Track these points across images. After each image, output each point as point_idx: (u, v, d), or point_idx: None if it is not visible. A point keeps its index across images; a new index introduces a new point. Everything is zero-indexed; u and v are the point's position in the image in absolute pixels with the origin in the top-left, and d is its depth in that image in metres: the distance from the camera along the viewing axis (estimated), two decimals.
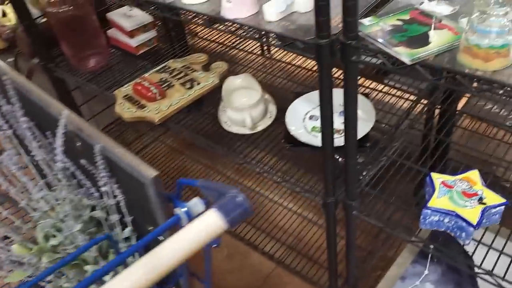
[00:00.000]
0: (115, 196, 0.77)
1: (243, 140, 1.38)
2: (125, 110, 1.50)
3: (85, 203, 0.86)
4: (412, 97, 1.44)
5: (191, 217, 0.67)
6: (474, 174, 1.05)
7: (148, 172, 0.66)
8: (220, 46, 1.99)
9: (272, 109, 1.43)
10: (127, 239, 0.84)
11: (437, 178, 1.05)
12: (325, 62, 0.87)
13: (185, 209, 0.67)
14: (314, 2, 0.80)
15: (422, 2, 0.92)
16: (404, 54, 0.76)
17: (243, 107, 1.35)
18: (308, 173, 1.32)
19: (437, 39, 0.78)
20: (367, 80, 1.64)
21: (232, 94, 1.45)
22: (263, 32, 0.94)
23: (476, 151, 1.29)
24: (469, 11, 0.87)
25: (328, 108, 0.96)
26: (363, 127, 1.24)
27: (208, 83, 1.55)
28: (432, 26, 0.82)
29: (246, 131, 1.36)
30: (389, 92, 1.49)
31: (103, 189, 0.77)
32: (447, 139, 1.31)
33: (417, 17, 0.86)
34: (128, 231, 0.83)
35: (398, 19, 0.86)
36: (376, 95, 1.50)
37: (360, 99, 1.29)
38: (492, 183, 1.10)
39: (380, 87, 1.54)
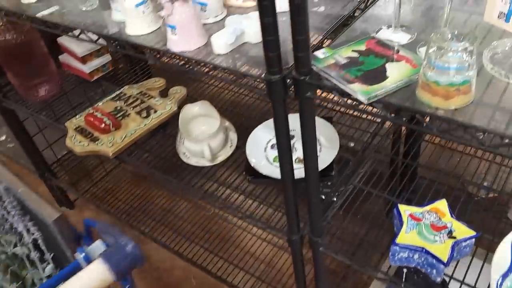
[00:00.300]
0: (32, 233, 0.71)
1: (203, 173, 1.30)
2: (77, 144, 1.40)
3: (9, 239, 0.78)
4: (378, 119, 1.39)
5: (90, 261, 0.62)
6: (442, 204, 1.00)
7: (51, 213, 0.60)
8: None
9: (233, 137, 1.36)
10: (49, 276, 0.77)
11: (405, 210, 1.00)
12: (277, 99, 0.80)
13: (83, 254, 0.61)
14: (262, 37, 0.73)
15: (379, 29, 0.87)
16: (360, 92, 0.70)
17: (201, 138, 1.27)
18: (273, 206, 1.25)
19: (395, 73, 0.73)
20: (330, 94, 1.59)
21: (190, 123, 1.37)
22: (211, 67, 0.87)
23: (446, 169, 1.25)
24: (427, 38, 0.83)
25: (285, 143, 0.89)
26: (327, 156, 1.18)
27: (166, 111, 1.47)
28: (390, 58, 0.77)
29: (206, 163, 1.28)
30: (354, 114, 1.44)
31: (18, 227, 0.70)
32: (414, 163, 1.26)
33: (374, 47, 0.80)
34: (49, 268, 0.75)
35: (353, 50, 0.80)
36: (341, 116, 1.45)
37: (323, 124, 1.24)
38: (465, 200, 1.07)
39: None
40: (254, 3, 1.02)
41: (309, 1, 1.01)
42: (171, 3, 0.87)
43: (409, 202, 1.21)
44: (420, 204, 1.03)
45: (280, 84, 0.78)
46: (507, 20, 0.70)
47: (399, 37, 0.83)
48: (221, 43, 0.88)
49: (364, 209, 1.18)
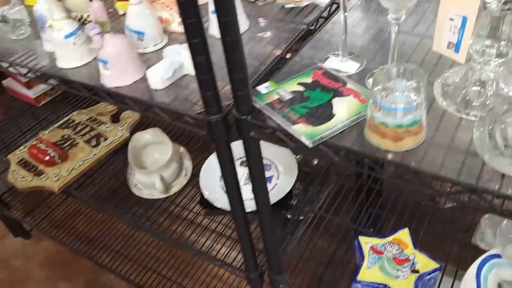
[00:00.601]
0: None
1: (157, 205, 1.23)
2: (19, 180, 1.30)
3: None
4: None
5: None
6: (404, 235, 0.95)
7: None
8: None
9: (188, 165, 1.28)
10: None
11: (366, 242, 0.95)
12: (218, 139, 0.74)
13: None
14: (196, 76, 0.66)
15: (327, 58, 0.81)
16: (304, 134, 0.64)
17: (152, 169, 1.19)
18: (231, 240, 1.19)
19: (342, 111, 0.67)
20: None
21: (141, 151, 1.29)
22: (147, 105, 0.80)
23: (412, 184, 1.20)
24: (377, 67, 0.77)
25: (232, 183, 0.82)
26: (286, 184, 1.12)
27: (117, 138, 1.39)
28: (337, 92, 0.71)
29: (159, 195, 1.21)
30: None
31: None
32: (375, 186, 1.21)
33: (320, 79, 0.74)
34: None
35: (299, 83, 0.74)
36: None
37: (281, 151, 1.18)
38: (433, 213, 1.04)
39: None
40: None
41: (255, 26, 0.95)
42: (100, 35, 0.79)
43: (376, 219, 1.17)
44: (383, 231, 0.98)
45: (221, 124, 0.71)
46: (456, 51, 0.66)
47: (347, 67, 0.78)
48: (158, 77, 0.80)
49: (328, 234, 1.13)
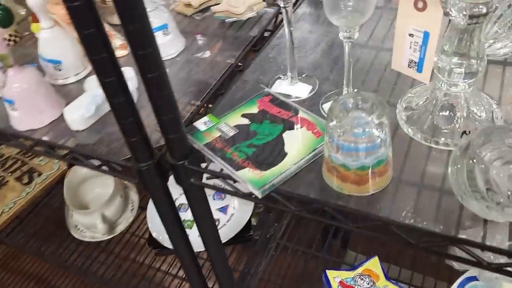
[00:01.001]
0: None
1: (102, 246, 1.09)
2: None
3: None
4: None
5: None
6: (374, 264, 0.87)
7: None
8: None
9: (135, 198, 1.15)
10: None
11: (334, 277, 0.86)
12: (152, 189, 0.62)
13: None
14: (116, 121, 0.55)
15: (275, 80, 0.71)
16: (251, 182, 0.53)
17: (92, 209, 1.06)
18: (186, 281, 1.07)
19: (295, 148, 0.57)
20: None
21: (80, 187, 1.15)
22: (66, 151, 0.67)
23: None
24: (331, 88, 0.68)
25: (174, 230, 0.71)
26: (243, 214, 1.01)
27: (53, 172, 1.24)
28: (288, 124, 0.61)
29: (102, 237, 1.07)
30: None
31: None
32: None
33: (268, 108, 0.64)
34: None
35: (244, 115, 0.64)
36: None
37: None
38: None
39: None
40: (125, 52, 0.83)
41: (192, 44, 0.84)
42: (2, 71, 0.66)
43: (343, 245, 1.08)
44: (350, 259, 0.90)
45: (154, 172, 0.60)
46: (419, 70, 0.57)
47: (297, 90, 0.68)
48: (77, 117, 0.68)
49: (293, 265, 1.03)
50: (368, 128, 0.48)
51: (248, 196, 0.56)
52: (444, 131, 0.56)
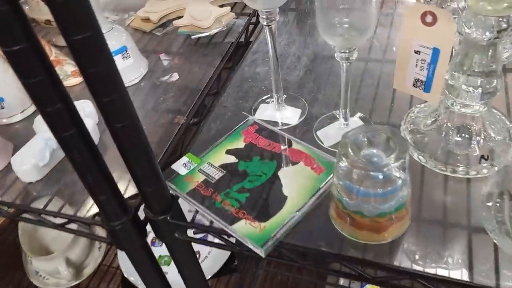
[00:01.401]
0: None
1: None
2: None
3: None
4: None
5: None
6: None
7: None
8: None
9: (102, 233, 1.04)
10: None
11: None
12: (129, 248, 0.53)
13: None
14: (80, 179, 0.45)
15: (258, 104, 0.63)
16: (252, 238, 0.45)
17: (54, 254, 0.94)
18: None
19: (296, 190, 0.49)
20: None
21: (36, 229, 1.03)
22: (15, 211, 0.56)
23: None
24: (323, 111, 0.61)
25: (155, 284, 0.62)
26: None
27: None
28: (282, 160, 0.53)
29: (68, 284, 0.96)
30: None
31: None
32: None
33: (256, 140, 0.56)
34: None
35: (228, 151, 0.55)
36: None
37: None
38: None
39: None
40: (78, 80, 0.72)
41: (156, 66, 0.74)
42: None
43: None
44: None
45: (128, 229, 0.50)
46: (426, 90, 0.50)
47: (285, 115, 0.60)
48: (29, 167, 0.57)
49: None
50: (387, 170, 0.40)
51: (246, 251, 0.47)
52: (459, 157, 0.50)
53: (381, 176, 0.40)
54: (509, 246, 0.41)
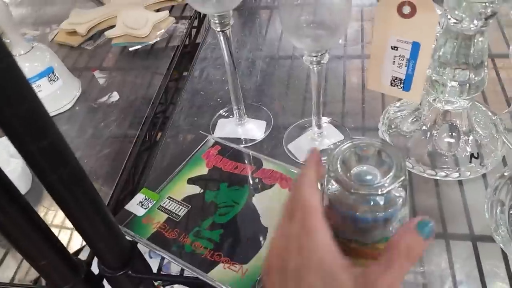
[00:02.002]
0: None
1: None
2: None
3: None
4: None
5: None
6: None
7: None
8: None
9: None
10: None
11: None
12: None
13: None
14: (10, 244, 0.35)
15: (216, 119, 0.55)
16: (233, 285, 0.38)
17: None
18: None
19: (275, 218, 0.42)
20: None
21: None
22: None
23: None
24: (291, 120, 0.54)
25: None
26: None
27: None
28: (253, 184, 0.46)
29: None
30: None
31: None
32: None
33: (220, 163, 0.48)
34: None
35: (190, 180, 0.47)
36: None
37: None
38: None
39: None
40: None
41: (90, 86, 0.65)
42: None
43: None
44: None
45: None
46: (406, 88, 0.45)
47: (250, 130, 0.53)
48: None
49: None
50: (385, 192, 0.35)
51: None
52: (447, 158, 0.45)
53: (382, 199, 0.35)
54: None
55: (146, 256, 0.43)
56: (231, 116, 0.55)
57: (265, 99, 0.57)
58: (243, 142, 0.52)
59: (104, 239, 0.38)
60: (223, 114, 0.56)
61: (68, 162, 0.31)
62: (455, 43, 0.40)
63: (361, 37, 0.66)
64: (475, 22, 0.37)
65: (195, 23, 0.72)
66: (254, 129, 0.53)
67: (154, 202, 0.46)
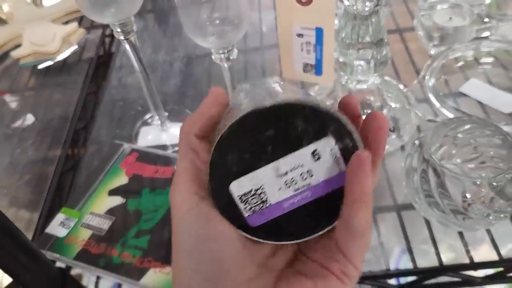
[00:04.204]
0: None
1: None
2: None
3: None
4: None
5: None
6: None
7: None
8: None
9: None
10: None
11: None
12: None
13: None
14: None
15: (138, 128, 0.54)
16: (163, 286, 0.38)
17: None
18: None
19: None
20: None
21: None
22: None
23: None
24: None
25: None
26: None
27: None
28: None
29: None
30: None
31: None
32: None
33: (140, 170, 0.47)
34: None
35: (111, 192, 0.46)
36: None
37: None
38: None
39: None
40: None
41: (3, 111, 0.61)
42: None
43: None
44: None
45: None
46: (318, 73, 0.46)
47: (174, 135, 0.52)
48: None
49: None
50: None
51: None
52: None
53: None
54: (439, 219, 0.39)
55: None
56: (154, 123, 0.53)
57: (187, 100, 0.57)
58: (170, 148, 0.51)
59: (29, 270, 0.36)
60: (146, 121, 0.55)
61: None
62: (354, 24, 0.41)
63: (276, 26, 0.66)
64: (367, 4, 0.38)
65: (108, 32, 0.70)
66: (178, 134, 0.52)
67: (76, 220, 0.44)
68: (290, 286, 0.20)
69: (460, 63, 0.55)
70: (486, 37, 0.56)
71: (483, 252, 0.39)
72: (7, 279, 0.45)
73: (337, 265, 0.20)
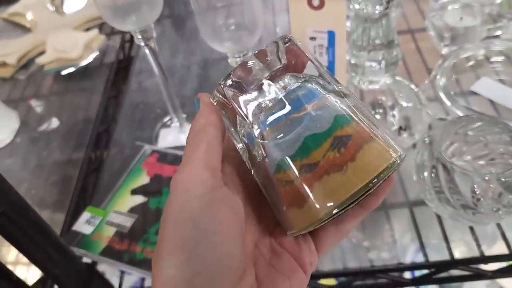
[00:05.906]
0: None
1: None
2: None
3: None
4: None
5: None
6: None
7: None
8: None
9: None
10: None
11: None
12: None
13: None
14: None
15: (158, 133, 0.56)
16: None
17: None
18: None
19: None
20: None
21: None
22: None
23: None
24: None
25: None
26: None
27: None
28: None
29: None
30: None
31: None
32: None
33: (160, 170, 0.49)
34: None
35: (134, 191, 0.48)
36: None
37: None
38: None
39: None
40: None
41: (28, 117, 0.64)
42: None
43: None
44: None
45: None
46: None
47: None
48: None
49: None
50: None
51: None
52: None
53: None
54: (450, 214, 0.40)
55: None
56: (173, 125, 0.56)
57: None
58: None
59: (58, 264, 0.38)
60: (165, 123, 0.57)
61: (8, 197, 0.32)
62: (364, 27, 0.42)
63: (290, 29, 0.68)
64: (377, 7, 0.40)
65: (127, 37, 0.73)
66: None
67: (101, 218, 0.46)
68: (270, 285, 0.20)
69: (471, 62, 0.55)
70: (497, 36, 0.57)
71: (494, 246, 0.40)
72: (32, 277, 0.47)
73: (308, 256, 0.21)
